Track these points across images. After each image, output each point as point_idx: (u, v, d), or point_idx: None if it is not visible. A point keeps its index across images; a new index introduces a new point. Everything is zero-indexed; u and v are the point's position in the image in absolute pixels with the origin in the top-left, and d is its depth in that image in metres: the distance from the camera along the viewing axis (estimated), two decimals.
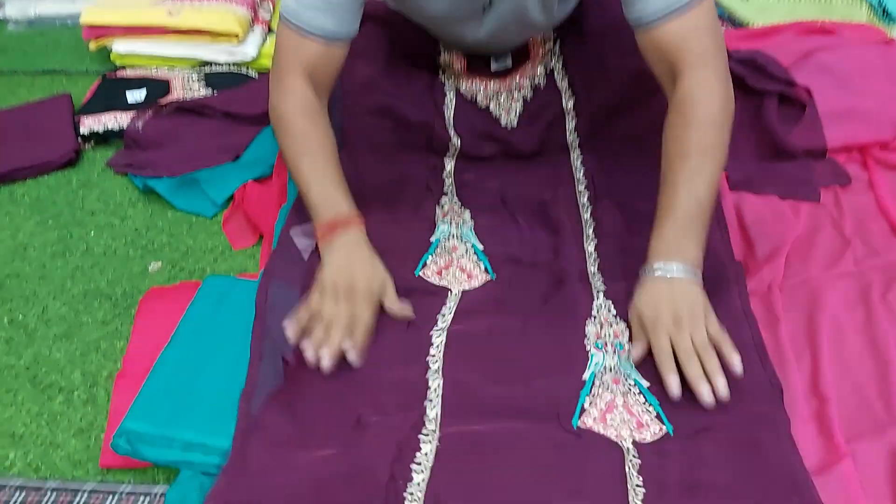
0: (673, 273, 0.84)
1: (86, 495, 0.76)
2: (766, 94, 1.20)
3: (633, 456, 0.75)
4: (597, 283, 0.95)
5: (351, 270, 0.87)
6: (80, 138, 1.31)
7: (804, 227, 1.04)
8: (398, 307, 0.89)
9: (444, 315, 0.91)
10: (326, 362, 0.81)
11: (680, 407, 0.80)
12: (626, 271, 0.95)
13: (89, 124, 1.32)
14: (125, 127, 1.30)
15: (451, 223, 1.04)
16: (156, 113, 1.33)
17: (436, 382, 0.82)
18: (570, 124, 1.15)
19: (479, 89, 1.16)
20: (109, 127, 1.32)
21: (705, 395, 0.77)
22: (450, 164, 1.13)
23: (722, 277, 0.92)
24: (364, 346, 0.84)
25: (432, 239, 1.02)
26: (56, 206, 1.18)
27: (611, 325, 0.89)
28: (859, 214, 1.07)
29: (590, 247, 1.00)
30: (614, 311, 0.90)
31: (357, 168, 1.07)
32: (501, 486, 0.73)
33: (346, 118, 1.13)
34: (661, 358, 0.80)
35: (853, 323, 0.92)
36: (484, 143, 1.15)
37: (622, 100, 1.11)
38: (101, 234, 1.12)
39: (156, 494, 0.76)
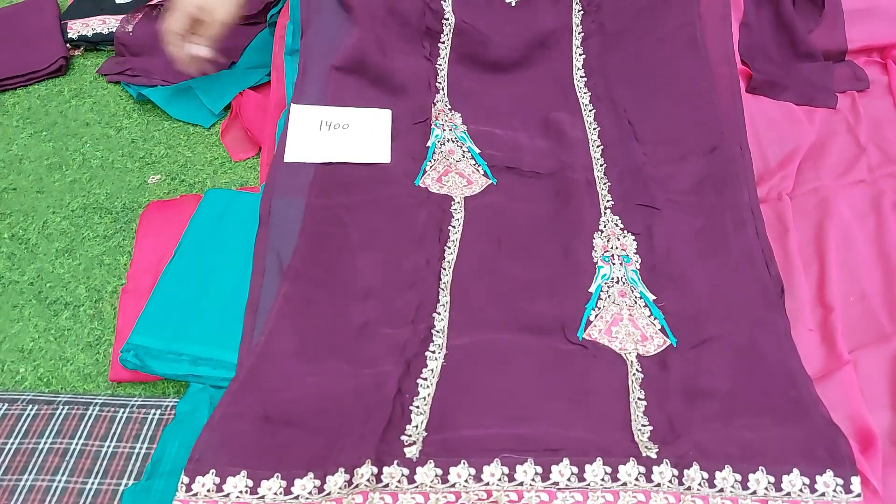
0: None
1: (97, 408, 0.77)
2: None
3: (637, 370, 0.76)
4: (603, 190, 0.93)
5: None
6: (68, 44, 1.26)
7: (818, 134, 1.02)
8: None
9: (454, 227, 0.89)
10: None
11: (684, 319, 0.80)
12: (633, 180, 0.93)
13: (77, 28, 1.27)
14: (114, 31, 1.25)
15: (443, 127, 1.01)
16: (146, 15, 1.27)
17: (445, 298, 0.82)
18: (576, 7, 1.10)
19: None
20: (98, 30, 1.27)
21: None
22: (445, 52, 1.08)
23: (731, 172, 0.91)
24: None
25: (428, 144, 0.99)
26: (49, 117, 1.15)
27: (618, 239, 0.88)
28: (876, 120, 1.03)
29: (596, 153, 0.98)
30: (621, 225, 0.89)
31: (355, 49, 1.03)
32: (505, 397, 0.74)
33: None
34: None
35: (863, 232, 0.91)
36: (480, 16, 1.08)
37: None
38: (97, 146, 1.10)
39: (166, 406, 0.78)
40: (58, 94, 1.19)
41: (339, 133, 0.96)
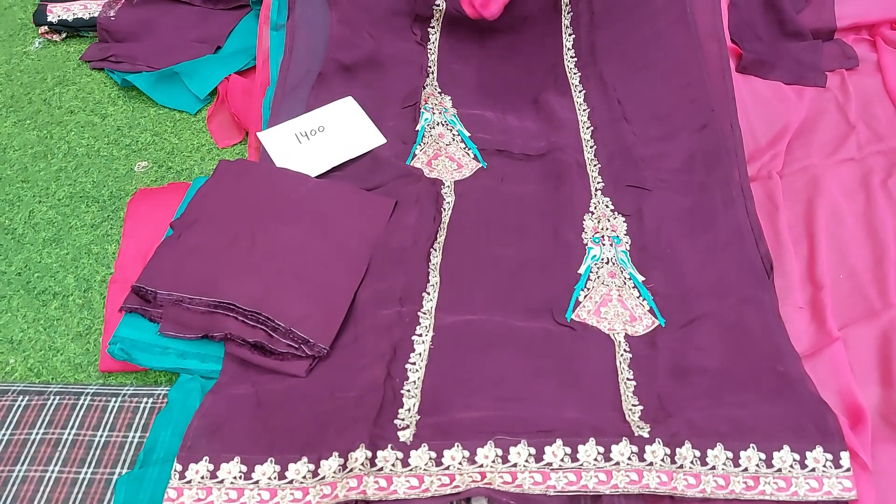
0: None
1: (89, 397, 0.77)
2: None
3: (625, 350, 0.76)
4: (594, 171, 0.93)
5: None
6: (49, 28, 1.24)
7: (808, 112, 1.02)
8: None
9: (445, 210, 0.89)
10: None
11: (673, 299, 0.81)
12: (623, 161, 0.93)
13: (57, 12, 1.25)
14: (96, 16, 1.23)
15: (433, 111, 1.01)
16: (128, 0, 1.25)
17: (435, 278, 0.82)
18: None
19: None
20: (79, 15, 1.25)
21: None
22: (434, 36, 1.08)
23: (721, 149, 0.91)
24: None
25: (417, 128, 0.99)
26: (33, 105, 1.13)
27: (608, 220, 0.88)
28: (865, 98, 1.04)
29: (586, 134, 0.97)
30: (612, 206, 0.89)
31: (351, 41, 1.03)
32: (495, 379, 0.74)
33: None
34: None
35: (852, 210, 0.91)
36: None
37: None
38: (83, 134, 1.09)
39: (159, 395, 0.77)
40: (41, 82, 1.17)
41: (321, 138, 0.95)
